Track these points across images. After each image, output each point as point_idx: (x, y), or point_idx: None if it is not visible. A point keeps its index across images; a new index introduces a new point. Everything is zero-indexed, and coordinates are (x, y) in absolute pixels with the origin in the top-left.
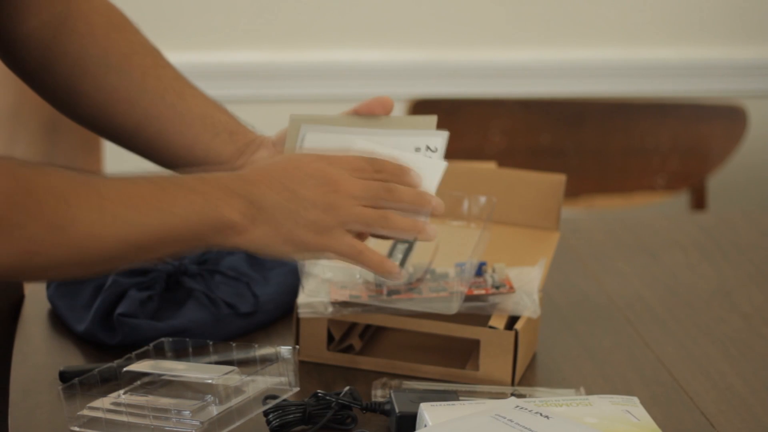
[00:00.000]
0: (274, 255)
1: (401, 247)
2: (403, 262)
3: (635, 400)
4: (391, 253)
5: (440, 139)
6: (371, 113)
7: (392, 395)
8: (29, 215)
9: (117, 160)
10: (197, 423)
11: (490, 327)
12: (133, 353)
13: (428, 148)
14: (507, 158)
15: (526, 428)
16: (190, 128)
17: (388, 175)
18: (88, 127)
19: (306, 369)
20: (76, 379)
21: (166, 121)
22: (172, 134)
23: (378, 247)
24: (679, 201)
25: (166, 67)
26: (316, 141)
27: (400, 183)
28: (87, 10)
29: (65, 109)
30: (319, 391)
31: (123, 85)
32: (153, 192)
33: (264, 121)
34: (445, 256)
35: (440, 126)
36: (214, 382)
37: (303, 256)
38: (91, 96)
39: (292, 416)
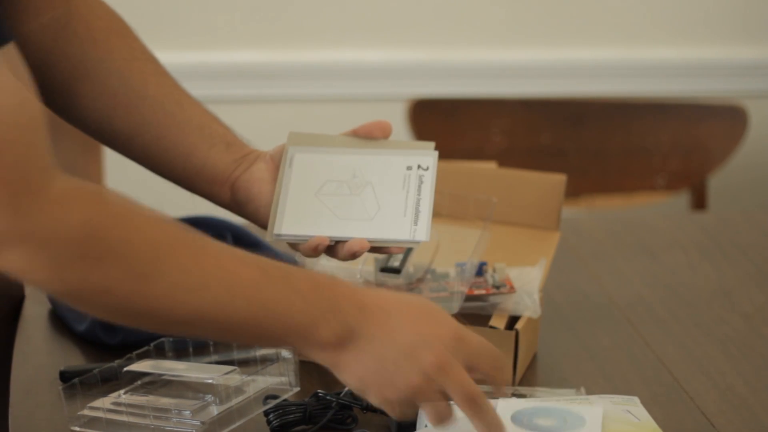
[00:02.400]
0: (344, 382)
1: None
2: (403, 263)
3: (636, 399)
4: (391, 254)
5: (431, 158)
6: (370, 136)
7: None
8: (114, 253)
9: (117, 161)
10: (198, 423)
11: (491, 327)
12: (134, 353)
13: (419, 167)
14: (507, 158)
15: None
16: (188, 137)
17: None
18: (85, 131)
19: (306, 369)
20: (77, 378)
21: (164, 128)
22: (170, 141)
23: None
24: (679, 201)
25: (165, 75)
26: (304, 162)
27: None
28: (87, 14)
29: (63, 111)
30: (319, 390)
31: (123, 89)
32: (255, 277)
33: (264, 121)
34: (445, 257)
35: (440, 125)
36: (214, 382)
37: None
38: (90, 99)
39: (292, 416)
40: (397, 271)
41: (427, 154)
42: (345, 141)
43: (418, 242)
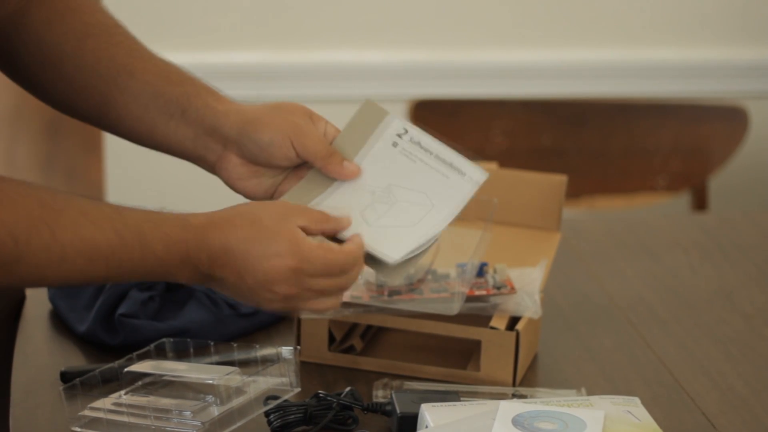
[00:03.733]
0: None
1: None
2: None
3: (636, 400)
4: None
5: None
6: None
7: (393, 396)
8: None
9: (117, 160)
10: (198, 423)
11: (492, 328)
12: (135, 354)
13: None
14: (508, 159)
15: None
16: (146, 112)
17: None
18: (65, 113)
19: (307, 369)
20: (78, 379)
21: (122, 107)
22: (131, 120)
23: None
24: (680, 202)
25: (119, 43)
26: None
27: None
28: None
29: (42, 99)
30: (320, 391)
31: (78, 73)
32: (110, 242)
33: None
34: (446, 257)
35: (441, 126)
36: (215, 383)
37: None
38: (52, 85)
39: (293, 417)
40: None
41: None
42: None
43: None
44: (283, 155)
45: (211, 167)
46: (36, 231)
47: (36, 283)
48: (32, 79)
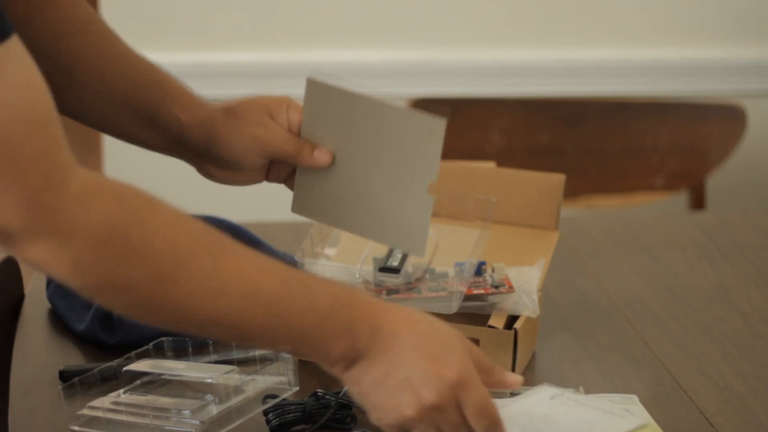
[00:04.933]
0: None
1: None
2: (402, 263)
3: (634, 398)
4: (390, 253)
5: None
6: None
7: None
8: (135, 254)
9: (117, 160)
10: (197, 422)
11: (490, 326)
12: (133, 352)
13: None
14: (506, 158)
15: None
16: (120, 116)
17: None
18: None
19: (305, 368)
20: (76, 378)
21: (98, 110)
22: (109, 123)
23: (377, 246)
24: (678, 201)
25: (93, 43)
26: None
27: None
28: None
29: None
30: (318, 390)
31: (54, 73)
32: (274, 287)
33: None
34: (444, 256)
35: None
36: (213, 382)
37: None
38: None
39: (291, 415)
40: (396, 270)
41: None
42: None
43: None
44: (252, 162)
45: (196, 168)
46: (199, 255)
47: (189, 313)
48: None
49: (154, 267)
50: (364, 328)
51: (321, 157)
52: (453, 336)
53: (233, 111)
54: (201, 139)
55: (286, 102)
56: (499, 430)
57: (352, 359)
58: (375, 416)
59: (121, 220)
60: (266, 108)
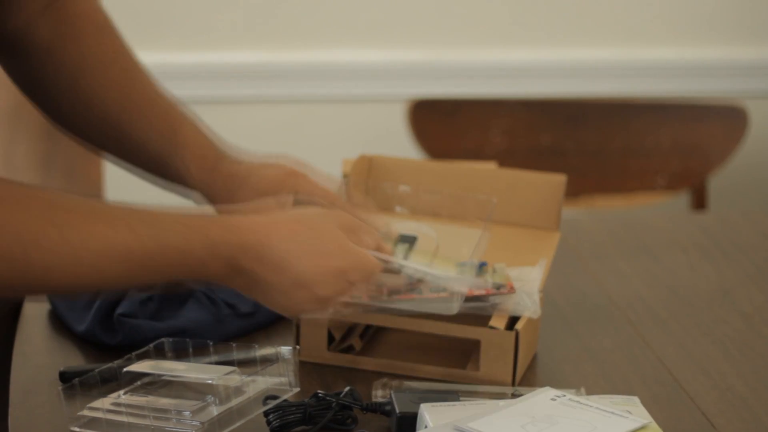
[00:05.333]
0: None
1: (402, 247)
2: (402, 266)
3: (636, 399)
4: (393, 254)
5: None
6: None
7: (393, 396)
8: None
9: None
10: (197, 423)
11: (491, 327)
12: (134, 353)
13: None
14: (507, 158)
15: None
16: (134, 159)
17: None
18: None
19: (306, 369)
20: (76, 379)
21: (113, 149)
22: (124, 160)
23: None
24: (679, 201)
25: (112, 83)
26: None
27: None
28: (76, 13)
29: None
30: (319, 391)
31: (72, 110)
32: (123, 238)
33: (264, 122)
34: (445, 258)
35: (440, 126)
36: (214, 383)
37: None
38: (51, 111)
39: (292, 416)
40: (396, 271)
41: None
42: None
43: None
44: None
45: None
46: (44, 233)
47: (49, 289)
48: (37, 101)
49: (3, 255)
50: (228, 248)
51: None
52: (320, 218)
53: (232, 187)
54: (206, 192)
55: (292, 177)
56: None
57: (234, 271)
58: (277, 310)
59: None
60: (270, 188)
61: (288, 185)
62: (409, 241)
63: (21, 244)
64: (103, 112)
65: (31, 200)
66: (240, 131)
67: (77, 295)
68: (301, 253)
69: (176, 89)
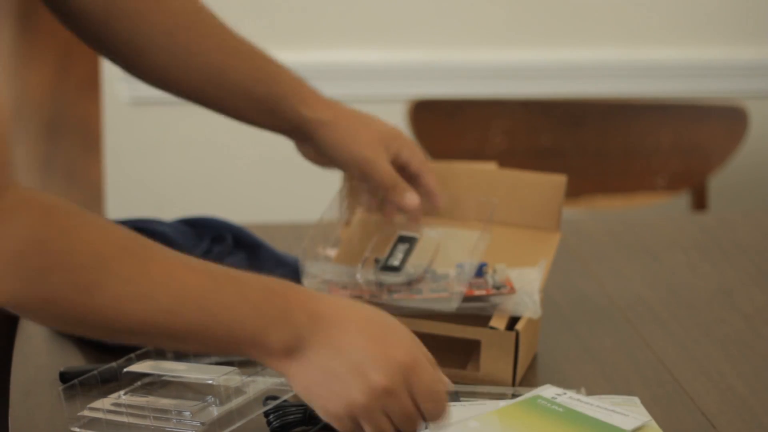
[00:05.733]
0: (293, 389)
1: (402, 247)
2: (403, 262)
3: (636, 400)
4: (391, 253)
5: None
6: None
7: None
8: (57, 265)
9: (117, 160)
10: (198, 424)
11: (491, 327)
12: (134, 354)
13: None
14: (508, 159)
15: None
16: (238, 105)
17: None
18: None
19: None
20: (77, 379)
21: (217, 99)
22: (225, 109)
23: (379, 245)
24: (679, 201)
25: (209, 36)
26: None
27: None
28: None
29: (136, 76)
30: None
31: (173, 66)
32: (203, 284)
33: None
34: (446, 258)
35: (440, 126)
36: (214, 383)
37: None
38: (149, 72)
39: (292, 417)
40: (396, 269)
41: None
42: None
43: None
44: (349, 169)
45: (296, 145)
46: (124, 261)
47: (117, 320)
48: (128, 63)
49: (76, 276)
50: (302, 316)
51: (411, 199)
52: (397, 322)
53: (354, 124)
54: (319, 136)
55: (400, 138)
56: (445, 413)
57: (293, 349)
58: (322, 408)
59: (43, 234)
60: (383, 138)
61: (395, 144)
62: (409, 241)
63: (101, 270)
64: (205, 63)
65: (115, 228)
66: (240, 131)
67: (139, 343)
68: (370, 337)
69: None
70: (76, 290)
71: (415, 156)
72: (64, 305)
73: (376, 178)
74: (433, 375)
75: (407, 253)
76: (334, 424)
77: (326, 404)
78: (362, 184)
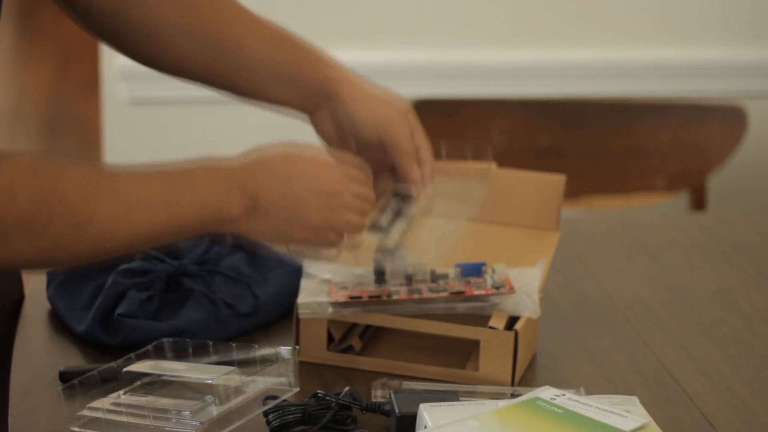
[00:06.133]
0: (270, 246)
1: (394, 204)
2: (391, 224)
3: (635, 399)
4: (383, 211)
5: None
6: None
7: (392, 396)
8: (54, 215)
9: (116, 160)
10: (197, 423)
11: (490, 327)
12: (133, 354)
13: None
14: (507, 159)
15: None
16: (257, 78)
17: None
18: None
19: (306, 369)
20: (76, 379)
21: (234, 74)
22: (244, 86)
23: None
24: (678, 201)
25: (221, 11)
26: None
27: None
28: None
29: (152, 67)
30: (319, 391)
31: (188, 45)
32: (163, 184)
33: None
34: (445, 258)
35: (440, 126)
36: (214, 383)
37: (296, 251)
38: (164, 58)
39: (292, 416)
40: (383, 229)
41: None
42: None
43: None
44: (366, 135)
45: (308, 117)
46: (100, 188)
47: (110, 243)
48: (142, 53)
49: (73, 219)
50: (244, 176)
51: (417, 173)
52: (317, 149)
53: (376, 89)
54: (340, 91)
55: (416, 120)
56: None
57: (251, 207)
58: (295, 238)
59: (39, 192)
60: (403, 112)
61: (412, 123)
62: (403, 197)
63: (85, 198)
64: (222, 37)
65: (81, 165)
66: (241, 131)
67: (125, 254)
68: (299, 158)
69: (179, 89)
70: (72, 230)
71: (425, 143)
72: (65, 248)
73: (397, 140)
74: (355, 179)
75: (399, 213)
76: (315, 245)
77: (296, 232)
78: (372, 151)
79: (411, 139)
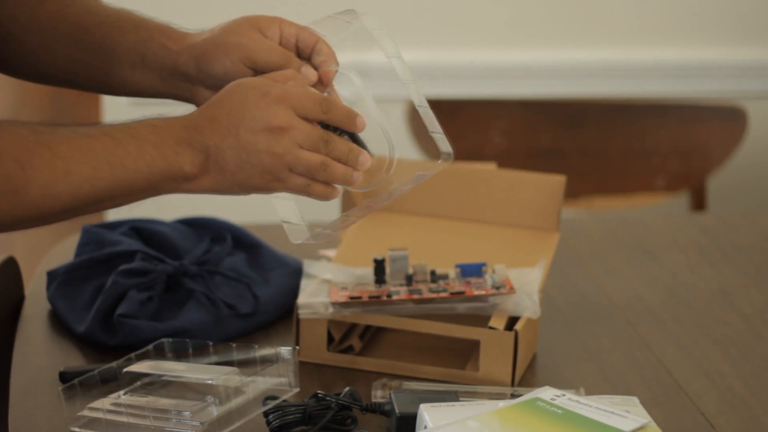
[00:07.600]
0: (227, 195)
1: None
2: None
3: (635, 400)
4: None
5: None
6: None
7: (392, 396)
8: None
9: None
10: (197, 424)
11: (490, 328)
12: (134, 354)
13: None
14: (507, 159)
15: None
16: (110, 65)
17: (334, 120)
18: (35, 83)
19: (306, 370)
20: (77, 379)
21: (87, 65)
22: (100, 75)
23: (377, 247)
24: (679, 202)
25: (72, 3)
26: None
27: (345, 128)
28: None
29: (8, 73)
30: (319, 391)
31: (38, 40)
32: (106, 145)
33: None
34: (445, 258)
35: (441, 126)
36: (214, 383)
37: (256, 193)
38: (17, 58)
39: (292, 417)
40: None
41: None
42: None
43: None
44: (241, 76)
45: (188, 102)
46: (37, 152)
47: (50, 205)
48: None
49: (6, 184)
50: (190, 132)
51: (310, 73)
52: (255, 89)
53: (221, 29)
54: (191, 61)
55: (277, 20)
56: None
57: (205, 164)
58: (255, 185)
59: None
60: (255, 23)
61: (273, 26)
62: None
63: (20, 166)
64: (70, 28)
65: (18, 128)
66: None
67: (72, 217)
68: (242, 101)
69: None
70: (7, 195)
71: (304, 31)
72: (3, 213)
73: (263, 60)
74: (304, 97)
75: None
76: (282, 189)
77: (255, 179)
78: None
79: (277, 48)
